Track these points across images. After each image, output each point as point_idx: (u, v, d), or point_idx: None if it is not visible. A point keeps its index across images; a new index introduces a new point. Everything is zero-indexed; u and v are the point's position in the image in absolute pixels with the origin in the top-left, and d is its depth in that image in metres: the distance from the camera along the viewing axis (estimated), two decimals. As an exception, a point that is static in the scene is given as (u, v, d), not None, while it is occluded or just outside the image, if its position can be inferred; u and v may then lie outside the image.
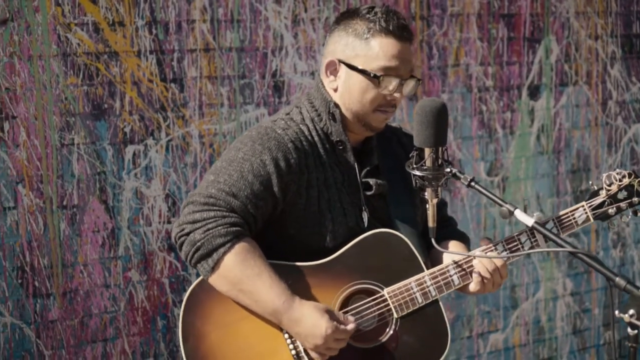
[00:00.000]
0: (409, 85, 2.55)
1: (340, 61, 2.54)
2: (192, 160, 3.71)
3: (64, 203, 3.51)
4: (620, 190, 2.62)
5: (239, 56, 3.78)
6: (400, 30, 2.52)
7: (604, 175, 2.63)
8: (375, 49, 2.51)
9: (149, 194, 3.65)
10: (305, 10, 3.91)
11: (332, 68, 2.56)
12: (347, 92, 2.55)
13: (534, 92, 4.55)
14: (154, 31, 3.62)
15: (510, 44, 4.45)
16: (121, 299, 3.63)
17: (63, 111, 3.49)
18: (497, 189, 4.48)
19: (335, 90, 2.57)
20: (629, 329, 2.19)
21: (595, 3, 4.67)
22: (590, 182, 2.65)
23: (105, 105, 3.56)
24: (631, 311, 2.16)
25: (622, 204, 2.62)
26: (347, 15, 2.57)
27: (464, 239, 2.78)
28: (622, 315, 2.18)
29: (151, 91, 3.64)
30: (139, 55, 3.60)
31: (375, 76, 2.50)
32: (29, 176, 3.45)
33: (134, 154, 3.62)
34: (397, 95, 2.53)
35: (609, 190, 2.62)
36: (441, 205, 2.83)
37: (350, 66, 2.52)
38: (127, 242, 3.63)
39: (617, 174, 2.62)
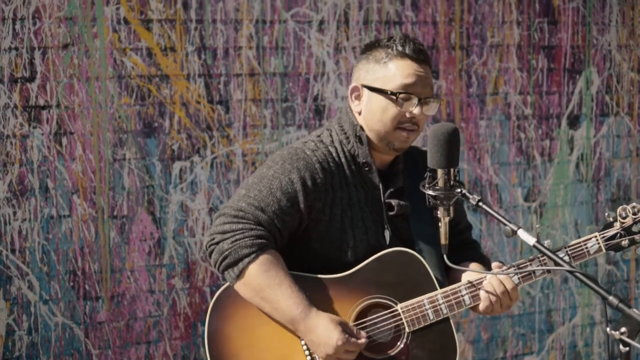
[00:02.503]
0: (430, 105, 2.65)
1: (363, 85, 2.68)
2: (234, 177, 3.87)
3: (115, 213, 3.70)
4: (635, 223, 2.65)
5: (282, 81, 3.94)
6: (416, 53, 2.64)
7: (619, 207, 2.65)
8: (392, 70, 2.63)
9: (194, 207, 3.82)
10: (347, 39, 4.05)
11: (356, 93, 2.70)
12: (369, 113, 2.67)
13: (574, 122, 4.58)
14: (202, 56, 3.80)
15: (550, 74, 4.49)
16: (165, 305, 3.79)
17: (116, 128, 3.69)
18: (534, 214, 4.50)
19: (360, 113, 2.69)
20: (620, 346, 2.26)
21: (638, 36, 4.68)
22: (607, 214, 2.67)
23: (156, 124, 3.75)
24: (623, 329, 2.23)
25: (637, 237, 2.64)
26: (370, 47, 2.72)
27: (484, 261, 2.84)
28: (613, 332, 2.24)
29: (198, 112, 3.81)
30: (188, 78, 3.78)
31: (393, 94, 2.61)
32: (83, 187, 3.66)
33: (181, 169, 3.80)
34: (416, 111, 2.62)
35: (623, 223, 2.65)
36: (465, 228, 2.92)
37: (371, 88, 2.65)
38: (172, 252, 3.80)
39: (633, 207, 2.65)
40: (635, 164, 4.76)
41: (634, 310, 2.27)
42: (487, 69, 4.36)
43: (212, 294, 3.86)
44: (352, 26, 4.08)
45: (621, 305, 2.26)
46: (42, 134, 3.61)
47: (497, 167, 4.43)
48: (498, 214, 2.47)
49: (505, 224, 2.45)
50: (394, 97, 2.62)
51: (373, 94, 2.66)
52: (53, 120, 3.62)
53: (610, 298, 2.27)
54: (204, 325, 3.78)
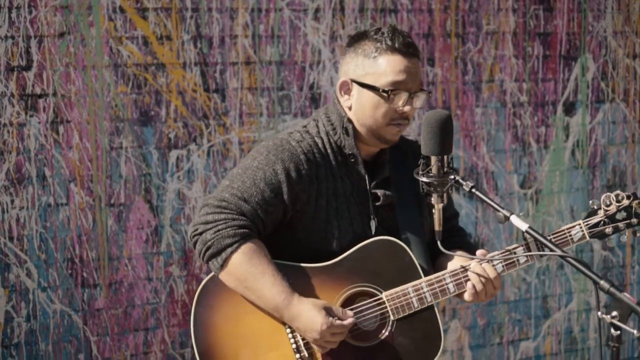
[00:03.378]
0: (419, 98, 2.66)
1: (353, 80, 2.67)
2: (231, 165, 3.88)
3: (112, 201, 3.72)
4: (619, 211, 2.68)
5: (278, 69, 3.94)
6: (405, 47, 2.63)
7: (603, 196, 2.67)
8: (382, 66, 2.62)
9: (191, 195, 3.83)
10: (343, 27, 4.05)
11: (345, 88, 2.69)
12: (360, 108, 2.67)
13: (569, 109, 4.59)
14: (198, 45, 3.81)
15: (546, 61, 4.50)
16: (162, 292, 3.81)
17: (113, 117, 3.70)
18: (530, 201, 4.52)
19: (350, 108, 2.69)
20: (612, 330, 2.30)
21: (633, 22, 4.68)
22: (591, 202, 2.69)
23: (152, 113, 3.76)
24: (614, 312, 2.27)
25: (620, 224, 2.67)
26: (357, 38, 2.70)
27: (469, 249, 2.85)
28: (604, 316, 2.28)
29: (195, 100, 3.82)
30: (184, 67, 3.79)
31: (384, 91, 2.61)
32: (80, 176, 3.67)
33: (178, 158, 3.81)
34: (407, 108, 2.64)
35: (607, 211, 2.68)
36: (452, 217, 2.93)
37: (361, 84, 2.64)
38: (169, 239, 3.81)
39: (617, 195, 2.67)
40: (630, 150, 4.77)
41: (625, 294, 2.29)
42: (482, 56, 4.37)
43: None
44: (348, 14, 4.08)
45: (612, 290, 2.28)
46: (39, 123, 3.62)
47: (493, 155, 4.44)
48: (491, 200, 2.48)
49: (498, 210, 2.46)
50: (386, 95, 2.62)
51: (363, 89, 2.66)
52: (50, 109, 3.63)
53: (602, 282, 2.30)
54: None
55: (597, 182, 4.69)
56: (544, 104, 4.54)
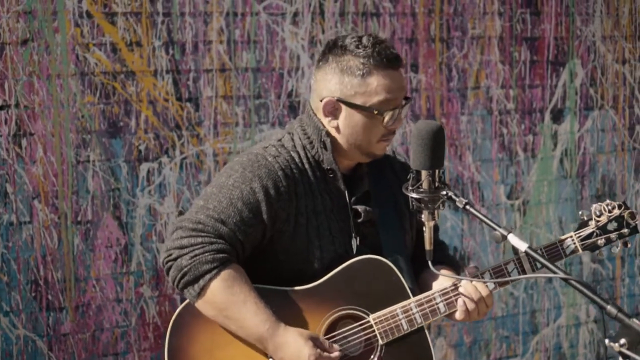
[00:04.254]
0: (405, 108, 2.59)
1: (340, 101, 2.55)
2: (205, 178, 3.80)
3: (79, 219, 3.61)
4: (610, 221, 2.62)
5: (254, 76, 3.88)
6: (392, 61, 2.54)
7: (594, 206, 2.62)
8: (373, 85, 2.52)
9: (163, 210, 3.75)
10: (323, 32, 3.99)
11: (330, 107, 2.57)
12: (350, 130, 2.56)
13: (557, 116, 4.54)
14: (170, 51, 3.73)
15: (533, 67, 4.46)
16: (133, 314, 3.72)
17: (79, 129, 3.60)
18: (517, 212, 4.48)
19: (337, 128, 2.58)
20: (620, 359, 2.16)
21: (623, 27, 4.66)
22: (580, 213, 2.64)
23: (121, 124, 3.66)
24: (622, 340, 2.15)
25: (612, 235, 2.62)
26: (336, 52, 2.56)
27: (453, 264, 2.78)
28: (612, 344, 2.16)
29: (166, 110, 3.74)
30: (155, 75, 3.71)
31: (379, 113, 2.52)
32: (44, 192, 3.56)
33: (148, 171, 3.72)
34: (398, 123, 2.57)
35: (598, 221, 2.62)
36: (433, 230, 2.81)
37: (351, 105, 2.54)
38: (140, 258, 3.72)
39: (607, 205, 2.62)
40: (620, 158, 4.74)
41: (634, 320, 2.17)
42: (468, 62, 4.31)
43: (183, 301, 3.73)
44: (328, 18, 4.01)
45: (620, 315, 2.16)
46: (1, 136, 3.51)
47: (479, 164, 4.38)
48: (486, 217, 2.39)
49: (494, 229, 2.37)
50: (380, 116, 2.53)
51: (354, 111, 2.55)
52: (12, 121, 3.52)
53: (609, 307, 2.17)
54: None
55: (586, 192, 4.65)
56: (532, 112, 4.49)
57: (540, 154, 4.52)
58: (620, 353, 2.15)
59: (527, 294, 4.54)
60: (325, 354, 2.50)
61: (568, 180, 4.59)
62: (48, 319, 3.58)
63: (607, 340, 2.18)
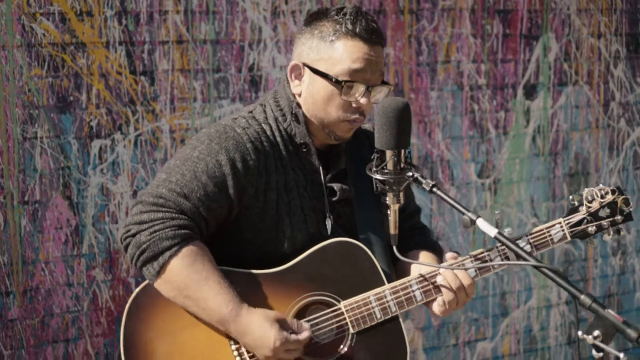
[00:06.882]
0: (379, 92, 2.48)
1: (305, 64, 2.49)
2: (161, 156, 3.71)
3: (26, 198, 3.51)
4: (602, 207, 2.51)
5: (213, 49, 3.77)
6: (368, 33, 2.45)
7: (585, 190, 2.51)
8: (339, 52, 2.45)
9: (116, 190, 3.65)
10: (286, 2, 3.88)
11: (296, 72, 2.52)
12: (310, 97, 2.50)
13: (530, 92, 4.46)
14: (123, 22, 3.61)
15: (506, 41, 4.37)
16: (84, 299, 3.63)
17: (26, 103, 3.48)
18: (488, 191, 4.40)
19: (299, 94, 2.52)
20: (593, 352, 2.10)
21: (598, 0, 4.56)
22: (571, 197, 2.52)
23: (71, 98, 3.55)
24: (596, 332, 2.09)
25: (604, 222, 2.51)
26: (316, 17, 2.52)
27: (435, 249, 2.70)
28: (585, 336, 2.09)
29: (120, 84, 3.62)
30: (108, 46, 3.59)
31: (338, 81, 2.43)
32: None
33: (101, 148, 3.62)
34: (363, 101, 2.45)
35: (589, 207, 2.51)
36: (414, 212, 2.78)
37: (314, 70, 2.47)
38: (92, 240, 3.63)
39: (600, 190, 2.51)
40: (594, 136, 4.66)
41: (609, 311, 2.12)
42: (438, 35, 4.21)
43: (138, 285, 3.65)
44: None
45: (595, 306, 2.12)
46: None
47: (449, 142, 4.29)
48: (455, 200, 2.35)
49: (463, 213, 2.32)
50: (339, 86, 2.44)
51: (316, 76, 2.48)
52: None
53: (582, 297, 2.13)
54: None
55: (559, 171, 4.58)
56: (504, 87, 4.40)
57: (512, 131, 4.43)
58: (594, 346, 2.08)
59: (497, 275, 4.48)
60: (293, 336, 2.43)
61: (540, 158, 4.52)
62: (-6, 305, 3.48)
63: (580, 333, 2.11)
